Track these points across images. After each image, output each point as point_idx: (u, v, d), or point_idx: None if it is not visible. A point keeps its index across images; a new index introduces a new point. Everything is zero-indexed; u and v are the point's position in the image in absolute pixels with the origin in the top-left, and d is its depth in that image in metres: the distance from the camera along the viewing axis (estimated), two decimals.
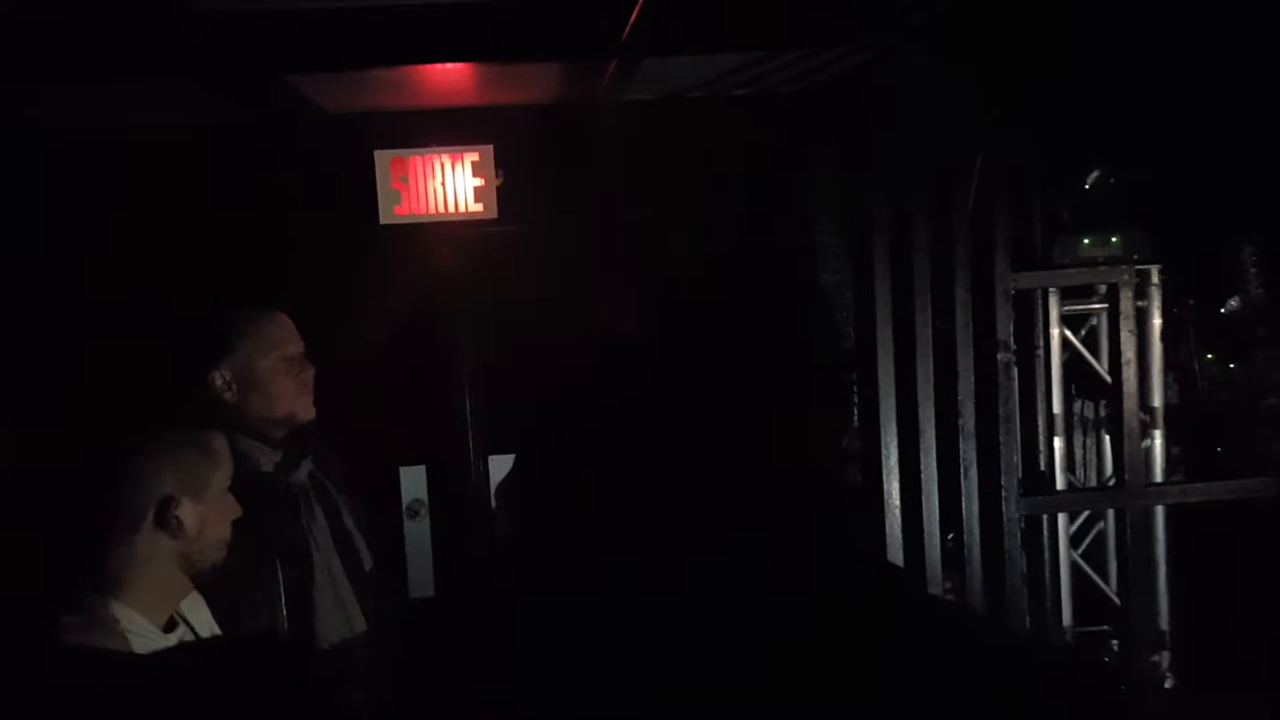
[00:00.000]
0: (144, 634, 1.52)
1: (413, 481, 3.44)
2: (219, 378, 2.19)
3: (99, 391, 2.73)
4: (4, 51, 2.18)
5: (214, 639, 1.69)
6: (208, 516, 1.60)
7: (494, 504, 3.39)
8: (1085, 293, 3.02)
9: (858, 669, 0.89)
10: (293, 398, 2.23)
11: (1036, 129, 2.76)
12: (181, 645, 1.57)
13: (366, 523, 2.46)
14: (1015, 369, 2.54)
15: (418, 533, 3.43)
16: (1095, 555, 3.09)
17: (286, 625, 2.16)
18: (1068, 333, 2.93)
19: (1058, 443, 2.83)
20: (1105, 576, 3.07)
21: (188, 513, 1.56)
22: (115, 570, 1.53)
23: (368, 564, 2.40)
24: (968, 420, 2.46)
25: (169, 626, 1.60)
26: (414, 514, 3.43)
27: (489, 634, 1.16)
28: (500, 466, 3.41)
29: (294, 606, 2.18)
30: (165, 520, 1.54)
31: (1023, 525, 2.49)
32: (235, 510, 1.68)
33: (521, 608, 1.11)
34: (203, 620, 1.71)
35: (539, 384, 3.26)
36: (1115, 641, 2.99)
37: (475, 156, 3.22)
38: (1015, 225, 2.70)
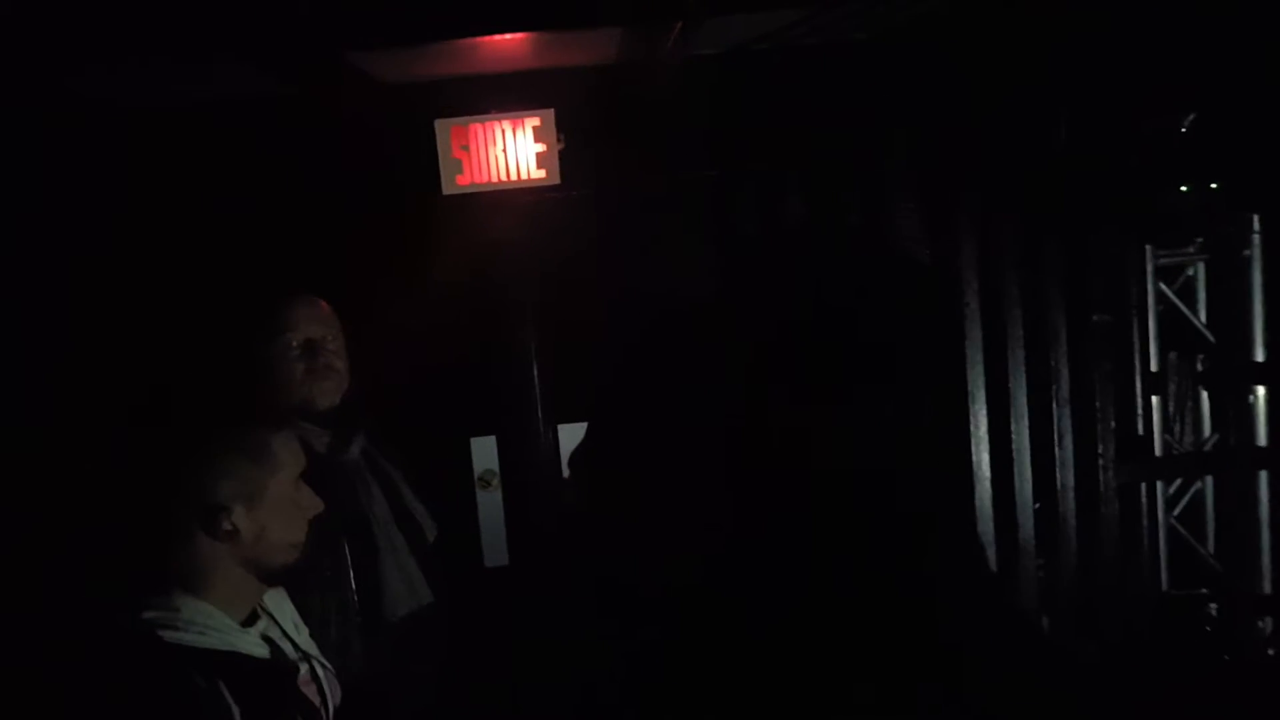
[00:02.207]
0: (221, 629, 1.51)
1: (484, 452, 3.42)
2: (250, 362, 2.18)
3: (161, 371, 2.73)
4: (59, 31, 2.15)
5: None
6: (267, 521, 1.54)
7: (565, 473, 3.38)
8: (1181, 242, 2.86)
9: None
10: (299, 385, 2.18)
11: (1130, 70, 2.59)
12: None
13: (427, 496, 2.46)
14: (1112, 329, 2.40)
15: (490, 503, 3.42)
16: (1192, 515, 2.96)
17: (357, 602, 2.17)
18: (1163, 286, 2.78)
19: (1155, 402, 2.70)
20: (1202, 538, 2.95)
21: (241, 519, 1.51)
22: (189, 567, 1.51)
23: (431, 535, 2.40)
24: (1062, 386, 2.35)
25: (250, 619, 1.58)
26: (486, 484, 3.41)
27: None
28: (570, 435, 3.38)
29: (361, 583, 2.18)
30: (214, 529, 1.50)
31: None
32: (310, 507, 1.62)
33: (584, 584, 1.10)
34: (286, 613, 1.69)
35: (608, 351, 3.22)
36: (1213, 605, 2.88)
37: (536, 121, 3.13)
38: (1108, 174, 2.55)
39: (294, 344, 2.20)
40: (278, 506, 1.56)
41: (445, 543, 2.50)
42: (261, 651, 1.54)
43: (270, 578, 1.59)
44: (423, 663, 2.41)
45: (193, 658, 1.44)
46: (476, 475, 3.42)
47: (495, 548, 3.41)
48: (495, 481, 3.42)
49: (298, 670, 1.60)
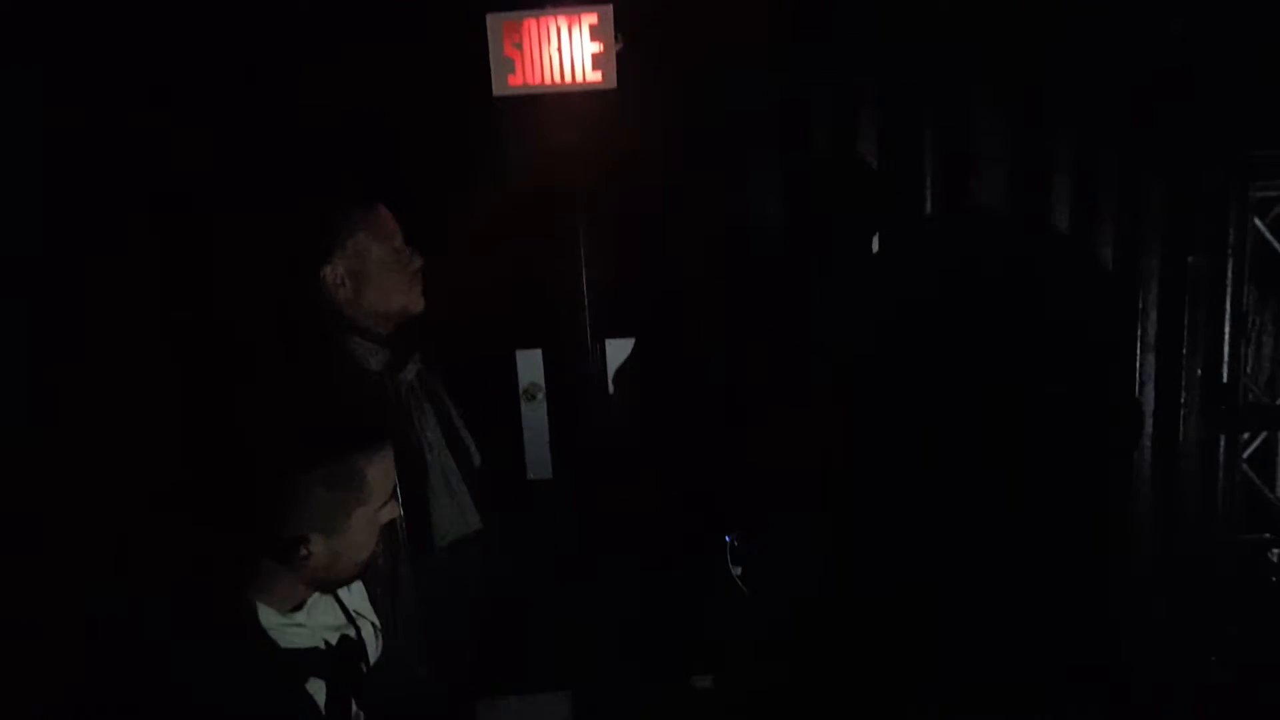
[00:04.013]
0: (268, 626, 1.44)
1: (529, 365, 3.35)
2: (332, 273, 2.10)
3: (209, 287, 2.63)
4: None
5: None
6: (343, 549, 1.44)
7: (611, 389, 3.31)
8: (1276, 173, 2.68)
9: None
10: (405, 290, 2.17)
11: None
12: None
13: (474, 418, 2.42)
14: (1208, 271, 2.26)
15: (535, 416, 3.36)
16: (1261, 460, 2.86)
17: (405, 527, 2.13)
18: (1256, 221, 2.61)
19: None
20: (1271, 483, 2.85)
21: (318, 547, 1.42)
22: (250, 575, 1.44)
23: (477, 460, 2.38)
24: (1148, 330, 2.22)
25: (299, 604, 1.51)
26: (531, 397, 3.35)
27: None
28: (616, 350, 3.29)
29: (411, 508, 2.14)
30: (290, 559, 1.40)
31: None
32: (387, 516, 1.52)
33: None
34: None
35: (660, 267, 3.10)
36: (1275, 551, 2.81)
37: (593, 18, 2.94)
38: (1209, 102, 2.36)
39: (395, 250, 2.16)
40: (357, 533, 1.45)
41: (489, 456, 2.46)
42: (307, 642, 1.48)
43: (328, 589, 1.52)
44: (472, 588, 2.39)
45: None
46: (521, 388, 3.35)
47: (539, 461, 3.37)
48: (540, 395, 3.35)
49: (343, 642, 1.54)
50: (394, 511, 1.54)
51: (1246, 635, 2.22)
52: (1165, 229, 2.24)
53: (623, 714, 3.00)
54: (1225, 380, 2.40)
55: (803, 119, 2.88)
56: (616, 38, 2.94)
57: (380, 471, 1.47)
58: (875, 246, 2.71)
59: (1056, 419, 0.87)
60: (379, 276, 2.14)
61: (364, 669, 1.55)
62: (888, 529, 0.91)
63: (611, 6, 2.91)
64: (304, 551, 1.40)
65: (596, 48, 2.95)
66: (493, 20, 2.90)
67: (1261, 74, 2.40)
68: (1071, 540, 0.88)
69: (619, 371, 3.24)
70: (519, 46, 2.94)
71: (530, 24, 2.93)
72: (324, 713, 1.39)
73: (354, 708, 1.48)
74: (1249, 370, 2.78)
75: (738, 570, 2.67)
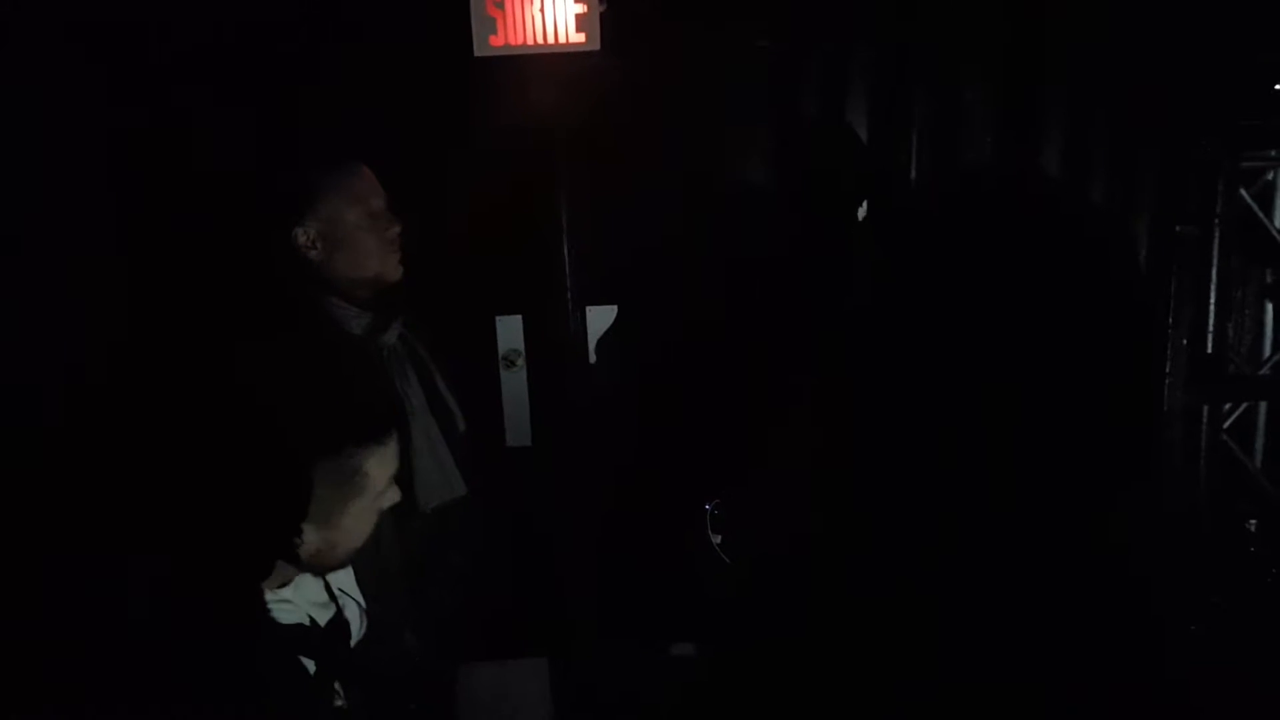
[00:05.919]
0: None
1: (509, 331, 3.31)
2: (303, 235, 2.06)
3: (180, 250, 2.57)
4: None
5: None
6: (338, 539, 1.37)
7: (593, 357, 3.28)
8: (1265, 144, 2.67)
9: None
10: (380, 256, 2.13)
11: None
12: None
13: (457, 383, 2.40)
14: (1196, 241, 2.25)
15: (514, 383, 3.33)
16: (1241, 430, 2.88)
17: None
18: (1242, 191, 2.61)
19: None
20: (1250, 452, 2.87)
21: (311, 538, 1.34)
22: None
23: (461, 425, 2.35)
24: None
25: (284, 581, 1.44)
26: (510, 364, 3.31)
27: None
28: (598, 317, 3.26)
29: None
30: (280, 550, 1.34)
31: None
32: (389, 501, 1.45)
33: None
34: None
35: (643, 233, 3.05)
36: (1253, 521, 2.83)
37: None
38: (1199, 70, 2.34)
39: (371, 214, 2.10)
40: (353, 524, 1.38)
41: (469, 423, 2.43)
42: (293, 618, 1.42)
43: (319, 573, 1.46)
44: (456, 554, 2.37)
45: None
46: (501, 354, 3.32)
47: (518, 428, 3.34)
48: (520, 361, 3.32)
49: (324, 621, 1.49)
50: (395, 497, 1.46)
51: (1229, 605, 2.24)
52: (1154, 198, 2.23)
53: (601, 680, 3.00)
54: (1210, 350, 2.41)
55: (790, 83, 2.84)
56: None
57: (381, 463, 1.39)
58: (863, 213, 2.69)
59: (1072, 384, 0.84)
60: (352, 241, 2.09)
61: (347, 648, 1.52)
62: (891, 514, 0.88)
63: None
64: (296, 542, 1.33)
65: (580, 8, 2.90)
66: None
67: (1252, 42, 2.39)
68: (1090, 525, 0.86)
69: (601, 339, 3.21)
70: (501, 6, 2.88)
71: None
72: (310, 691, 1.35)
73: (336, 686, 1.44)
74: (1232, 341, 2.79)
75: (717, 539, 2.66)
